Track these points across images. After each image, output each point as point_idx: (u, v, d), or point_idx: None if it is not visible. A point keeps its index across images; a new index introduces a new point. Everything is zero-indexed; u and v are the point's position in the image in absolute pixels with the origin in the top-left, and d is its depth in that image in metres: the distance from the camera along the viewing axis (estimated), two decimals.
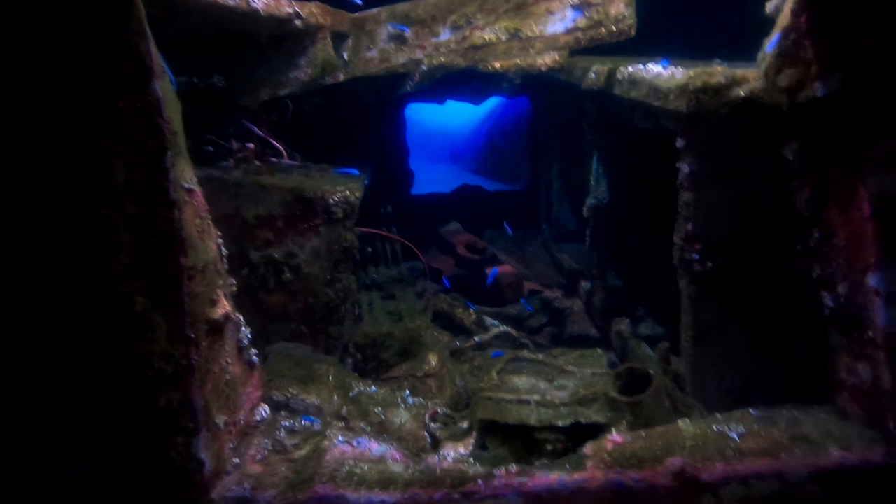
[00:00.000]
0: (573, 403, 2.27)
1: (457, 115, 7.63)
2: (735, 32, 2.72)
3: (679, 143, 2.09)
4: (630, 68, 2.39)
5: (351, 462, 1.88)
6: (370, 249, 3.44)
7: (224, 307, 1.89)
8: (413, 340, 2.89)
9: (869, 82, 1.62)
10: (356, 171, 2.87)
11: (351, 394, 2.45)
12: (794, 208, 1.95)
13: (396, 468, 1.88)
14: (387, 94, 3.09)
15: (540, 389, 2.45)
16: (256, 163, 2.65)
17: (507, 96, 5.02)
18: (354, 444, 1.97)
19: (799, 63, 1.72)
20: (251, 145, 2.65)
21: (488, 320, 3.30)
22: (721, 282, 2.13)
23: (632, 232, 3.41)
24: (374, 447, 1.97)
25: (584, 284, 3.75)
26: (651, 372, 2.14)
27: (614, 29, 2.36)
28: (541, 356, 2.75)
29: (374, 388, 2.55)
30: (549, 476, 1.79)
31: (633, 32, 2.42)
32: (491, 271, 3.58)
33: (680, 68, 2.08)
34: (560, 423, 2.17)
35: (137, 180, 1.56)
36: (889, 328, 1.70)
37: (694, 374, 2.23)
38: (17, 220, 1.34)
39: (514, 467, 1.87)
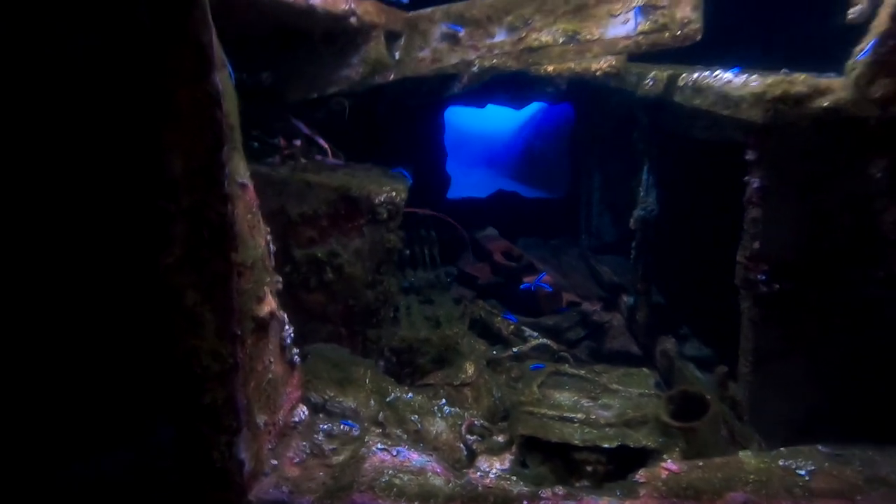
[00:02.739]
0: (620, 425, 2.16)
1: (495, 120, 7.56)
2: (802, 42, 2.58)
3: (749, 155, 1.97)
4: (695, 75, 2.28)
5: (390, 471, 1.82)
6: (408, 252, 3.39)
7: (270, 304, 1.85)
8: (450, 347, 2.82)
9: None
10: (404, 171, 2.83)
11: (388, 399, 2.39)
12: (877, 231, 1.80)
13: (437, 481, 1.81)
14: (433, 95, 3.04)
15: (583, 407, 2.35)
16: (302, 160, 2.63)
17: (550, 102, 4.94)
18: (394, 452, 1.91)
19: (894, 73, 1.59)
20: (298, 142, 2.63)
21: (527, 331, 3.20)
22: (788, 306, 1.99)
23: (679, 247, 3.27)
24: (415, 457, 1.90)
25: (627, 299, 3.62)
26: (707, 397, 2.02)
27: (679, 34, 2.25)
28: (583, 371, 2.64)
29: (410, 394, 2.49)
30: (598, 501, 1.69)
31: (698, 38, 2.31)
32: (534, 280, 3.48)
33: (755, 76, 1.96)
34: (606, 445, 2.06)
35: (193, 173, 1.53)
36: None
37: (753, 403, 2.09)
38: (75, 206, 1.33)
39: (560, 489, 1.77)
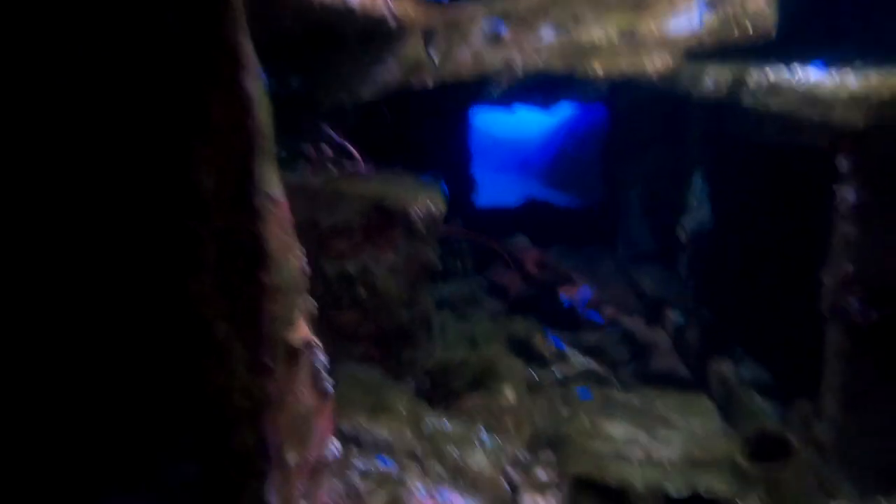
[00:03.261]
0: (686, 466, 1.94)
1: (525, 122, 7.34)
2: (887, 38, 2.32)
3: (843, 164, 1.73)
4: (770, 73, 2.04)
5: None
6: (440, 264, 3.21)
7: (303, 331, 1.67)
8: (487, 370, 2.62)
9: None
10: (439, 180, 2.64)
11: (425, 430, 2.20)
12: None
13: None
14: (471, 100, 2.85)
15: (640, 442, 2.12)
16: (333, 169, 2.47)
17: (583, 103, 4.71)
18: (436, 495, 1.72)
19: None
20: (329, 151, 2.46)
21: (571, 356, 2.98)
22: (887, 338, 1.74)
23: (735, 261, 3.02)
24: (459, 501, 1.71)
25: (673, 316, 3.37)
26: (791, 440, 1.78)
27: (750, 29, 2.02)
28: (635, 400, 2.42)
29: (447, 423, 2.29)
30: None
31: (772, 34, 2.07)
32: (576, 295, 3.26)
33: (850, 74, 1.72)
34: (674, 493, 1.84)
35: (225, 189, 1.37)
36: None
37: (841, 446, 1.84)
38: (95, 227, 1.17)
39: None
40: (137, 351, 1.30)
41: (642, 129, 4.24)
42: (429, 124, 3.92)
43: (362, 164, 2.64)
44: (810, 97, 1.81)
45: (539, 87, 3.52)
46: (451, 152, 4.69)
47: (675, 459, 1.97)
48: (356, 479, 1.77)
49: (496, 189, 5.59)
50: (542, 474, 2.14)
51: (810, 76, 1.85)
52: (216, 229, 1.32)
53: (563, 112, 6.52)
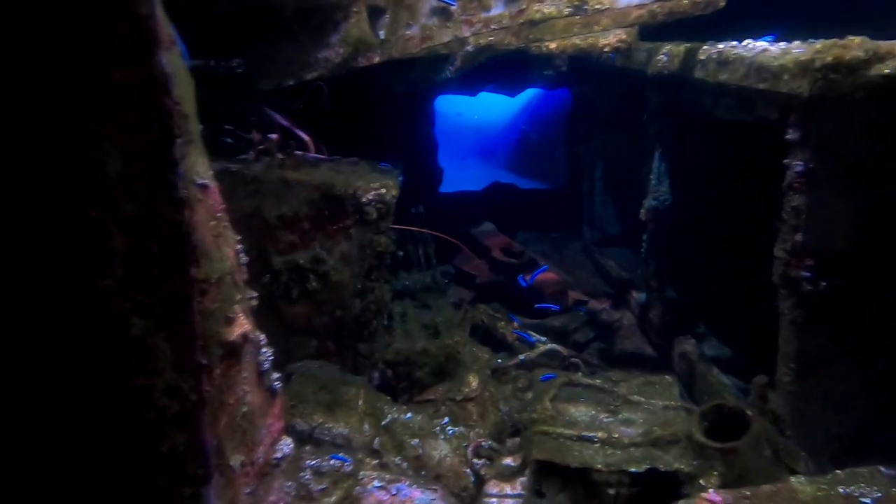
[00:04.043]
0: (646, 444, 1.92)
1: (489, 108, 7.27)
2: (839, 9, 2.32)
3: (791, 134, 1.71)
4: (721, 45, 2.02)
5: None
6: (401, 253, 3.12)
7: (242, 326, 1.58)
8: (450, 358, 2.56)
9: None
10: (394, 166, 2.55)
11: (384, 422, 2.13)
12: None
13: None
14: (423, 81, 2.76)
15: (603, 424, 2.10)
16: (279, 155, 2.34)
17: (546, 87, 4.66)
18: (393, 491, 1.65)
19: None
20: (274, 136, 2.34)
21: (534, 335, 2.95)
22: (837, 306, 1.75)
23: (696, 238, 3.02)
24: (417, 495, 1.65)
25: (638, 296, 3.37)
26: (748, 413, 1.78)
27: (699, 1, 1.99)
28: (598, 381, 2.39)
29: (409, 414, 2.23)
30: None
31: (722, 4, 2.04)
32: (531, 275, 3.23)
33: (798, 42, 1.70)
34: (633, 469, 1.82)
35: (137, 173, 1.25)
36: None
37: (796, 416, 1.86)
38: None
39: None
40: (45, 354, 1.18)
41: (604, 111, 4.22)
42: (390, 112, 3.81)
43: (313, 149, 2.52)
44: (759, 68, 1.79)
45: (501, 70, 3.46)
46: (415, 139, 4.60)
47: (636, 439, 1.95)
48: (309, 477, 1.69)
49: (460, 175, 5.53)
50: (509, 463, 2.10)
51: (759, 47, 1.83)
52: (127, 218, 1.21)
53: (525, 97, 6.49)
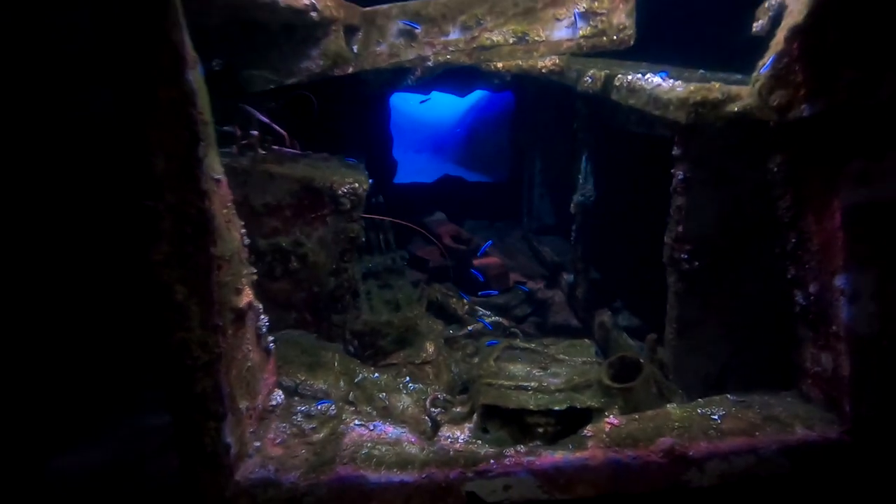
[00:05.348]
0: (568, 390, 2.44)
1: (441, 107, 7.67)
2: (718, 45, 2.92)
3: (675, 151, 2.26)
4: (630, 76, 2.54)
5: (369, 444, 1.98)
6: (364, 239, 3.49)
7: (248, 296, 1.92)
8: (410, 329, 2.99)
9: (847, 107, 1.83)
10: (354, 161, 2.91)
11: (356, 380, 2.53)
12: (775, 215, 2.16)
13: (412, 450, 2.00)
14: (388, 86, 3.13)
15: (535, 377, 2.61)
16: (260, 150, 2.65)
17: (492, 90, 5.13)
18: (370, 427, 2.07)
19: (789, 85, 1.91)
20: (255, 132, 2.64)
21: (480, 310, 3.43)
22: (705, 279, 2.33)
23: (614, 229, 3.61)
24: (390, 430, 2.07)
25: (567, 277, 3.94)
26: (641, 361, 2.34)
27: (615, 38, 2.50)
28: (532, 345, 2.91)
29: (376, 374, 2.64)
30: (554, 455, 1.95)
31: (632, 42, 2.57)
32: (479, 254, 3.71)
33: (680, 81, 2.25)
34: (556, 408, 2.33)
35: (174, 170, 1.57)
36: (850, 323, 1.94)
37: (676, 363, 2.44)
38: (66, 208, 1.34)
39: (521, 448, 2.02)
40: (111, 313, 1.48)
41: (543, 115, 4.75)
42: (353, 110, 4.13)
43: (288, 144, 2.83)
44: (655, 98, 2.33)
45: (454, 78, 3.87)
46: (373, 135, 4.92)
47: (560, 386, 2.47)
48: (300, 420, 2.06)
49: (414, 168, 5.91)
50: (459, 411, 2.56)
51: (655, 81, 2.36)
52: (169, 206, 1.53)
53: (473, 98, 6.94)
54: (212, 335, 1.69)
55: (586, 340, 2.96)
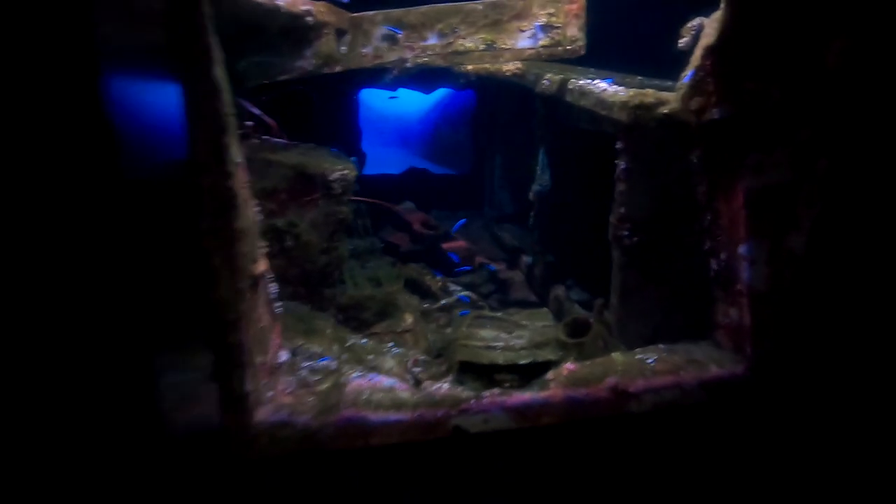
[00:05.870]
0: (531, 347, 2.87)
1: (407, 103, 7.98)
2: (654, 55, 3.44)
3: (618, 145, 2.73)
4: (581, 81, 2.99)
5: (368, 391, 2.32)
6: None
7: (261, 265, 2.21)
8: (389, 303, 3.33)
9: (748, 112, 2.34)
10: (337, 151, 3.22)
11: (347, 344, 2.85)
12: (695, 198, 2.66)
13: (404, 395, 2.36)
14: (367, 83, 3.44)
15: (502, 339, 3.02)
16: (255, 140, 2.91)
17: (457, 89, 5.51)
18: (369, 378, 2.41)
19: (704, 93, 2.40)
20: (251, 123, 2.90)
21: (451, 286, 3.82)
22: (642, 253, 2.82)
23: (565, 214, 4.10)
24: (385, 380, 2.42)
25: (526, 259, 4.40)
26: (591, 321, 2.80)
27: (569, 48, 2.94)
28: (499, 314, 3.33)
29: (364, 340, 2.97)
30: (523, 395, 2.37)
31: (582, 52, 3.02)
32: (453, 246, 4.10)
33: (622, 87, 2.71)
34: (522, 362, 2.76)
35: (208, 155, 1.85)
36: (750, 283, 2.47)
37: (619, 323, 2.93)
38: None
39: (496, 390, 2.43)
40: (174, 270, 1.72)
41: (503, 112, 5.18)
42: (326, 105, 4.39)
43: (277, 136, 3.10)
44: (602, 101, 2.79)
45: (422, 77, 4.21)
46: (342, 127, 5.18)
47: (524, 345, 2.90)
48: (305, 374, 2.37)
49: (381, 160, 6.19)
50: (438, 370, 2.93)
51: (601, 86, 2.82)
52: (208, 185, 1.81)
53: (437, 95, 7.30)
54: (236, 297, 1.98)
55: (544, 310, 3.41)
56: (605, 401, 2.37)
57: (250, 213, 2.15)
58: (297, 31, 2.65)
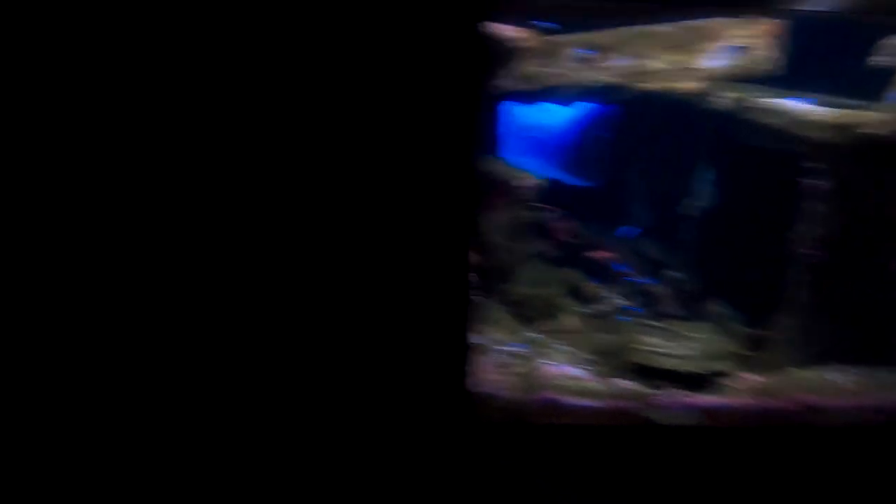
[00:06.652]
0: (703, 358, 2.98)
1: (546, 114, 8.19)
2: (839, 75, 3.39)
3: (811, 164, 2.77)
4: (768, 100, 3.07)
5: (558, 378, 2.60)
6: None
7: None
8: (552, 304, 3.60)
9: None
10: None
11: (525, 336, 3.16)
12: (889, 220, 2.62)
13: (590, 384, 2.60)
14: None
15: (670, 346, 3.16)
16: None
17: (599, 103, 5.64)
18: (556, 366, 2.68)
19: None
20: None
21: (605, 292, 4.01)
22: (827, 272, 2.82)
23: (727, 231, 4.09)
24: (572, 369, 2.68)
25: (674, 273, 4.44)
26: (766, 336, 2.85)
27: (760, 69, 3.04)
28: (661, 324, 3.46)
29: (534, 334, 3.26)
30: (709, 398, 2.51)
31: (772, 72, 3.10)
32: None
33: (818, 106, 2.76)
34: (701, 371, 2.87)
35: None
36: None
37: (792, 340, 2.94)
38: None
39: (674, 389, 2.59)
40: None
41: (649, 127, 5.22)
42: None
43: None
44: (795, 119, 2.84)
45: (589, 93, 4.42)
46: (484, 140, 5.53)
47: (696, 355, 3.00)
48: (504, 357, 2.70)
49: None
50: (605, 369, 3.13)
51: (792, 105, 2.88)
52: None
53: (580, 108, 7.40)
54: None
55: (704, 323, 3.47)
56: (791, 412, 2.43)
57: None
58: (505, 55, 3.03)
